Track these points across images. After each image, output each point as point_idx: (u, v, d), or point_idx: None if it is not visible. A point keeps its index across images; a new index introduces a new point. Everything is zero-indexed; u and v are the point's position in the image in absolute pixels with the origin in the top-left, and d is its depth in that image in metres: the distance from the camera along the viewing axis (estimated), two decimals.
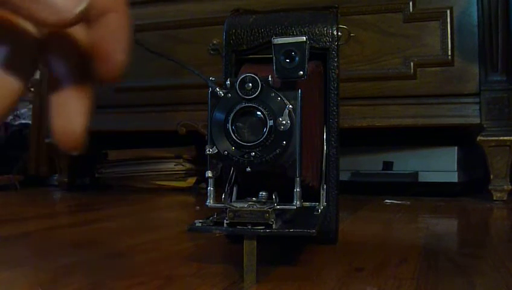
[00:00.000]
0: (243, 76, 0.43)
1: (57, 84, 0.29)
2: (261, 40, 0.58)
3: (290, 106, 0.43)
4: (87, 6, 0.25)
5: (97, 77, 0.29)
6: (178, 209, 1.16)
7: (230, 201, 0.48)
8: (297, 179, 0.44)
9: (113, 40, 0.28)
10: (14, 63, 0.28)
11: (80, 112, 0.29)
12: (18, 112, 1.74)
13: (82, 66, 0.29)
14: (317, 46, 0.58)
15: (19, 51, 0.28)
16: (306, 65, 0.43)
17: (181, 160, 1.47)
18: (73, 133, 0.28)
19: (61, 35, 0.29)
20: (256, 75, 0.43)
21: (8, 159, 1.60)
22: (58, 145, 0.29)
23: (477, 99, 1.13)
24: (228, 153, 0.43)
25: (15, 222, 0.89)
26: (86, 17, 0.27)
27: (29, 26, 0.28)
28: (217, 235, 0.62)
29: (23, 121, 1.82)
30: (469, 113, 1.14)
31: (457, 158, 1.26)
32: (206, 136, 0.45)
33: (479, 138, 1.12)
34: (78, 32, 0.29)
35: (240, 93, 0.43)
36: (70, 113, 0.29)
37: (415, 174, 1.27)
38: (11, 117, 1.78)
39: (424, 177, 1.27)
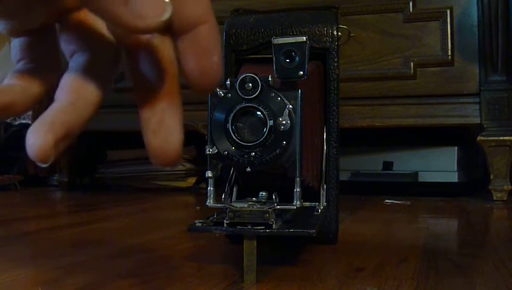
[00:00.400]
0: (242, 76, 0.43)
1: (148, 98, 0.28)
2: (261, 40, 0.58)
3: (290, 106, 0.43)
4: (172, 16, 0.25)
5: (193, 88, 0.29)
6: (178, 209, 1.16)
7: (230, 201, 0.48)
8: (297, 179, 0.44)
9: (206, 53, 0.28)
10: (94, 72, 0.28)
11: (177, 127, 0.28)
12: None
13: (171, 78, 0.29)
14: (317, 46, 0.57)
15: (99, 59, 0.28)
16: (306, 65, 0.43)
17: (181, 160, 1.47)
18: (173, 151, 0.28)
19: (148, 47, 0.28)
20: (256, 75, 0.43)
21: (8, 159, 1.60)
22: (154, 163, 0.28)
23: (477, 99, 1.13)
24: (228, 153, 0.43)
25: (15, 222, 0.89)
26: (171, 26, 0.27)
27: (110, 35, 0.28)
28: (217, 235, 0.62)
29: (23, 121, 1.82)
30: (469, 113, 1.14)
31: (457, 158, 1.25)
32: (206, 136, 0.45)
33: (479, 138, 1.12)
34: (166, 44, 0.29)
35: (240, 93, 0.43)
36: (168, 130, 0.28)
37: (415, 174, 1.27)
38: (11, 117, 1.77)
39: (424, 177, 1.27)
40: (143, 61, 0.29)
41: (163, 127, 0.28)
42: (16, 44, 0.29)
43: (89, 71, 0.28)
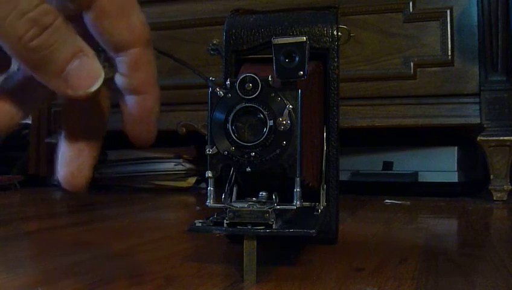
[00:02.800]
0: (242, 76, 0.43)
1: (72, 137, 0.31)
2: (261, 40, 0.58)
3: (290, 106, 0.43)
4: (101, 87, 0.28)
5: (132, 141, 0.32)
6: (178, 209, 1.16)
7: (230, 201, 0.48)
8: (297, 179, 0.44)
9: (143, 120, 0.31)
10: (25, 99, 0.30)
11: (89, 165, 0.31)
12: None
13: (98, 126, 0.32)
14: (317, 46, 0.57)
15: (34, 95, 0.30)
16: (306, 65, 0.43)
17: (181, 160, 1.47)
18: (80, 183, 0.31)
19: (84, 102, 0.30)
20: (256, 75, 0.43)
21: (8, 159, 1.60)
22: (62, 185, 0.31)
23: (477, 99, 1.13)
24: (228, 153, 0.43)
25: (15, 222, 0.89)
26: (100, 94, 0.30)
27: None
28: (217, 235, 0.62)
29: (23, 121, 1.82)
30: (469, 113, 1.14)
31: (457, 158, 1.25)
32: (206, 136, 0.45)
33: (479, 138, 1.12)
34: (104, 100, 0.32)
35: (240, 94, 0.43)
36: (80, 166, 0.31)
37: (415, 174, 1.27)
38: None
39: (424, 177, 1.27)
40: (77, 108, 0.31)
41: (78, 161, 0.31)
42: None
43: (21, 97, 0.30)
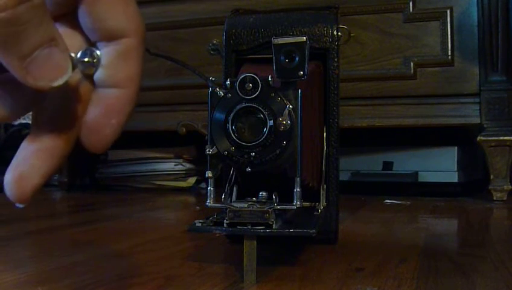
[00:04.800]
0: (242, 76, 0.43)
1: (35, 134, 0.28)
2: (261, 40, 0.58)
3: (290, 106, 0.43)
4: (66, 82, 0.26)
5: (82, 143, 0.28)
6: (178, 209, 1.16)
7: (230, 201, 0.48)
8: (297, 179, 0.44)
9: (109, 115, 0.28)
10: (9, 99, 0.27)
11: (42, 172, 0.28)
12: None
13: (69, 125, 0.28)
14: (317, 46, 0.57)
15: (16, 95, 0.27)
16: (306, 65, 0.43)
17: (181, 160, 1.47)
18: (23, 192, 0.28)
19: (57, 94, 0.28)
20: (256, 75, 0.43)
21: (8, 159, 1.60)
22: (6, 193, 0.28)
23: (477, 99, 1.13)
24: (228, 153, 0.43)
25: (15, 222, 0.89)
26: (67, 88, 0.27)
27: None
28: (217, 235, 0.62)
29: (23, 121, 1.82)
30: (469, 113, 1.14)
31: (457, 158, 1.25)
32: (206, 136, 0.45)
33: (479, 138, 1.12)
34: (82, 94, 0.28)
35: (240, 94, 0.43)
36: (30, 169, 0.28)
37: (415, 174, 1.27)
38: None
39: (424, 177, 1.27)
40: (55, 98, 0.28)
41: (32, 161, 0.28)
42: None
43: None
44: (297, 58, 0.43)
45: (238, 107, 0.43)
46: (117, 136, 0.29)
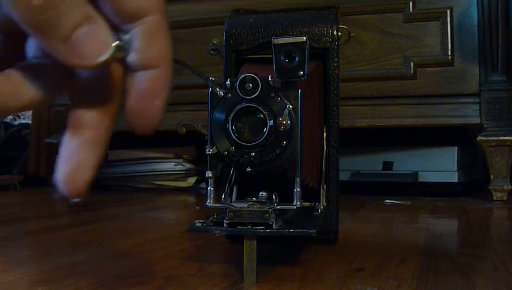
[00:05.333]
0: (242, 76, 0.43)
1: (76, 126, 0.28)
2: (261, 40, 0.58)
3: (290, 106, 0.43)
4: (110, 58, 0.26)
5: (129, 125, 0.29)
6: (178, 209, 1.16)
7: (230, 201, 0.48)
8: (297, 179, 0.44)
9: (150, 96, 0.28)
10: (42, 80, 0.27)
11: (91, 164, 0.28)
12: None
13: (107, 113, 0.29)
14: (317, 46, 0.57)
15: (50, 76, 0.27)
16: (306, 65, 0.43)
17: (181, 160, 1.47)
18: (78, 186, 0.28)
19: (95, 80, 0.28)
20: (256, 75, 0.43)
21: (8, 159, 1.60)
22: (59, 191, 0.28)
23: (477, 100, 1.14)
24: (228, 153, 0.43)
25: (15, 222, 0.89)
26: (111, 65, 0.27)
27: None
28: (217, 235, 0.62)
29: (23, 121, 1.82)
30: (469, 113, 1.14)
31: (457, 158, 1.26)
32: (206, 136, 0.45)
33: (479, 138, 1.12)
34: (115, 79, 0.29)
35: (240, 94, 0.43)
36: (81, 163, 0.28)
37: (415, 174, 1.27)
38: (11, 117, 1.78)
39: (424, 177, 1.27)
40: (90, 89, 0.28)
41: (79, 157, 0.28)
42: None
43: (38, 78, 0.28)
44: (297, 58, 0.43)
45: (238, 107, 0.43)
46: (163, 113, 0.29)
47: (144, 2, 0.27)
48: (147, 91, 0.28)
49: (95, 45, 0.25)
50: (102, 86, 0.28)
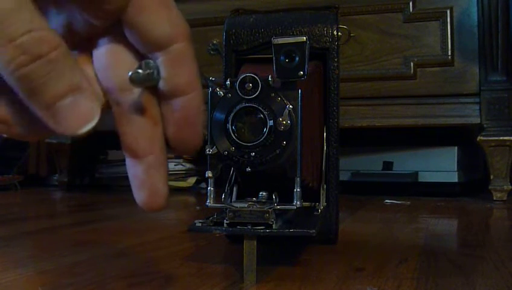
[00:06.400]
0: (242, 76, 0.43)
1: (134, 154, 0.29)
2: (261, 40, 0.58)
3: (290, 106, 0.43)
4: (92, 128, 0.26)
5: (176, 150, 0.30)
6: (178, 209, 1.16)
7: (230, 201, 0.48)
8: (297, 179, 0.44)
9: (189, 124, 0.29)
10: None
11: (163, 182, 0.29)
12: None
13: (155, 137, 0.29)
14: (317, 46, 0.57)
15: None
16: (306, 65, 0.43)
17: (181, 160, 1.47)
18: (160, 204, 0.29)
19: (135, 106, 0.29)
20: (256, 75, 0.43)
21: (8, 159, 1.60)
22: (144, 208, 0.30)
23: (477, 99, 1.14)
24: (228, 153, 0.43)
25: (15, 222, 0.89)
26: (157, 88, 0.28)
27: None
28: (217, 235, 0.62)
29: None
30: (469, 113, 1.14)
31: (457, 158, 1.26)
32: (206, 136, 0.45)
33: (479, 138, 1.12)
34: (153, 103, 0.29)
35: (240, 94, 0.43)
36: (155, 185, 0.29)
37: (415, 174, 1.27)
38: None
39: (424, 177, 1.27)
40: (131, 119, 0.29)
41: (151, 180, 0.29)
42: None
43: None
44: (297, 58, 0.43)
45: (238, 107, 0.43)
46: (203, 136, 0.30)
47: (169, 30, 0.28)
48: (182, 120, 0.29)
49: (78, 116, 0.25)
50: (140, 111, 0.29)
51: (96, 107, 0.26)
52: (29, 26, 0.23)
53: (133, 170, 0.29)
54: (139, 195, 0.29)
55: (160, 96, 0.29)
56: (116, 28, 0.28)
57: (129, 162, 0.29)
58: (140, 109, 0.28)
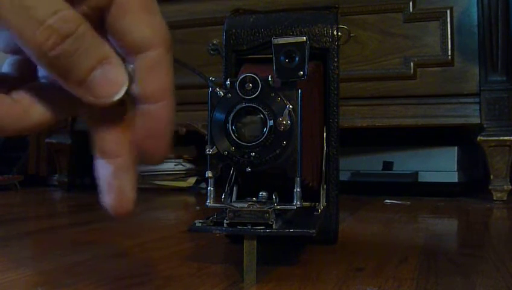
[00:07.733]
0: (243, 76, 0.43)
1: (105, 155, 0.29)
2: (261, 40, 0.58)
3: (290, 106, 0.43)
4: (126, 94, 0.27)
5: (141, 158, 0.30)
6: (178, 209, 1.16)
7: (230, 201, 0.48)
8: (297, 179, 0.44)
9: (154, 135, 0.29)
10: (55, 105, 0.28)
11: (130, 187, 0.29)
12: None
13: (125, 139, 0.29)
14: (317, 46, 0.57)
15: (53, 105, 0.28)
16: (306, 65, 0.43)
17: (181, 160, 1.47)
18: (126, 209, 0.29)
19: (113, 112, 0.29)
20: (256, 75, 0.43)
21: (8, 159, 1.60)
22: (111, 212, 0.29)
23: (477, 99, 1.14)
24: (228, 153, 0.43)
25: (15, 222, 0.89)
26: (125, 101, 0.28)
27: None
28: (217, 235, 0.62)
29: None
30: (469, 113, 1.14)
31: (457, 158, 1.26)
32: (206, 136, 0.45)
33: (479, 138, 1.12)
34: (126, 107, 0.29)
35: (240, 94, 0.43)
36: (122, 189, 0.29)
37: (415, 174, 1.27)
38: None
39: (424, 177, 1.27)
40: (102, 118, 0.29)
41: (120, 183, 0.29)
42: None
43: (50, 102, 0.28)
44: (297, 58, 0.43)
45: (238, 107, 0.43)
46: (171, 144, 0.30)
47: (150, 34, 0.28)
48: (149, 128, 0.29)
49: (110, 85, 0.26)
50: (114, 111, 0.29)
51: (124, 72, 0.27)
52: (55, 7, 0.24)
53: (101, 171, 0.29)
54: (107, 198, 0.29)
55: (133, 99, 0.29)
56: (101, 31, 0.28)
57: (98, 163, 0.29)
58: (112, 110, 0.28)
